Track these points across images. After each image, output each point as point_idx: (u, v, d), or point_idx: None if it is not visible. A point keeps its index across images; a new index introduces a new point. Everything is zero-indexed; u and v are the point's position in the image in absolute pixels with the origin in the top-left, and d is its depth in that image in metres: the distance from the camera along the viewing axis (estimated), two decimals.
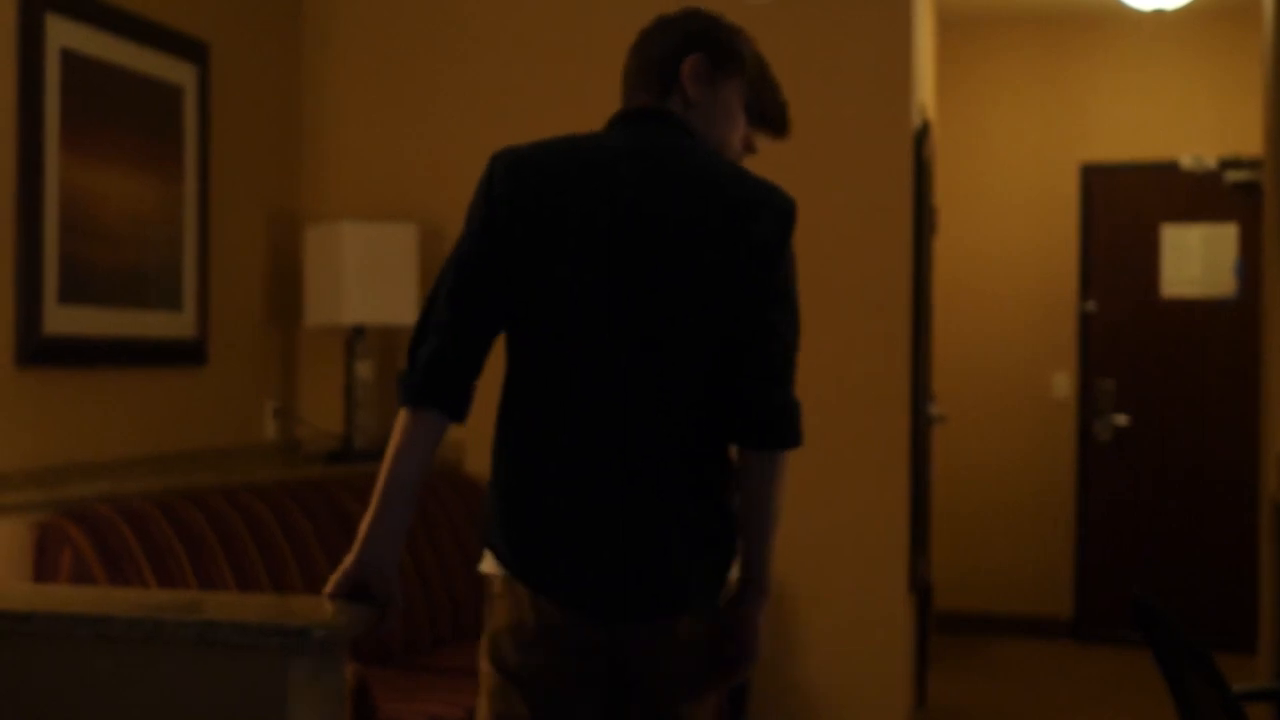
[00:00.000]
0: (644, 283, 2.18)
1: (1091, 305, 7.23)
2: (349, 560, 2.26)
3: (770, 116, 2.43)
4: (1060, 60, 7.25)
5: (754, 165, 2.38)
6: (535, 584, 2.21)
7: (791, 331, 2.25)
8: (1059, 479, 7.26)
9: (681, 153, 2.27)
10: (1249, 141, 6.61)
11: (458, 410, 2.25)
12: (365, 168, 5.06)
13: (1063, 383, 7.28)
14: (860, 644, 4.71)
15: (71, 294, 3.82)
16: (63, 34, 3.77)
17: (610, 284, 2.18)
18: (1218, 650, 2.69)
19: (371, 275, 4.70)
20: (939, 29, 6.97)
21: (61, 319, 3.77)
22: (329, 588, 2.28)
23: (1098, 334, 7.24)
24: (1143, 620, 2.64)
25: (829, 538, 4.68)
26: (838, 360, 4.65)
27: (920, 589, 5.34)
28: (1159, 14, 6.83)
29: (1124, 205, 7.23)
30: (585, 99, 5.04)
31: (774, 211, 2.23)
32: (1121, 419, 7.15)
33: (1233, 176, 6.95)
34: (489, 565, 2.30)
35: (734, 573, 2.30)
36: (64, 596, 2.79)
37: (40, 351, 3.69)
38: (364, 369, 4.78)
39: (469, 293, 2.22)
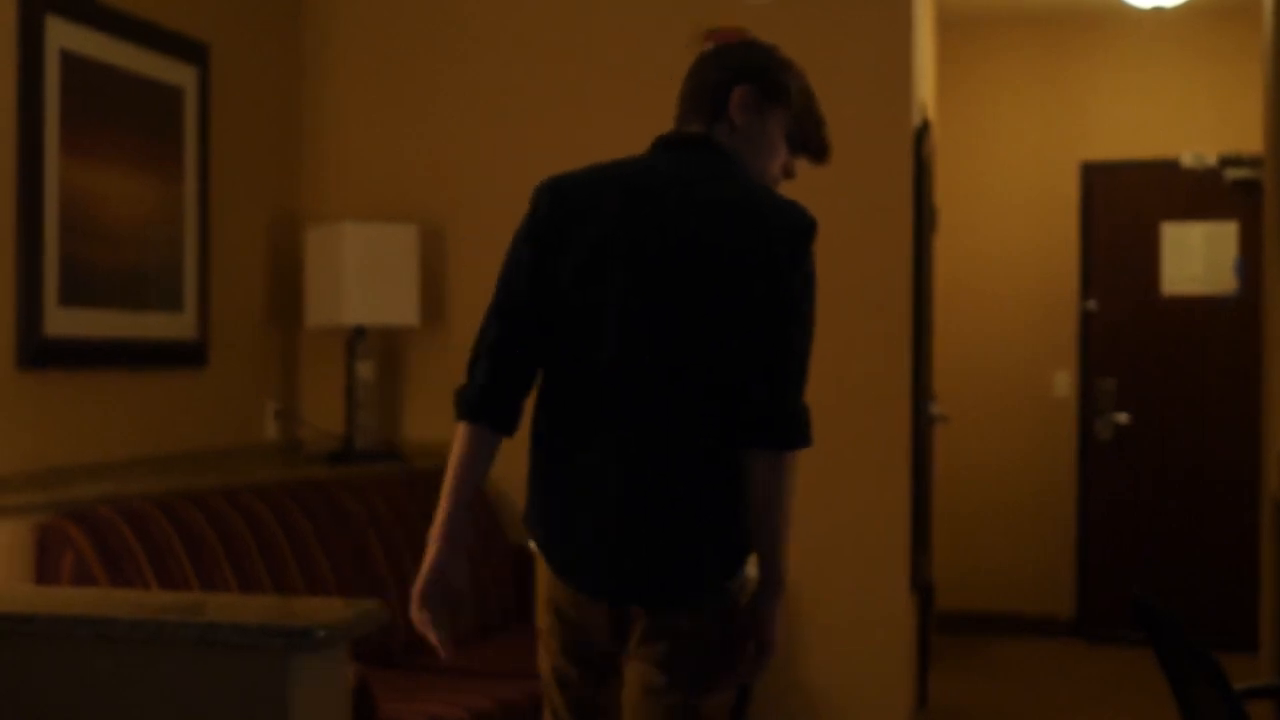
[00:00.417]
0: (677, 303, 2.34)
1: (1092, 304, 7.23)
2: (426, 563, 2.43)
3: (812, 147, 2.58)
4: (1060, 59, 7.25)
5: None
6: (556, 569, 2.41)
7: (807, 341, 2.38)
8: (1060, 478, 7.26)
9: (722, 179, 2.41)
10: (1249, 139, 6.60)
11: (507, 426, 2.43)
12: (365, 168, 5.06)
13: (1063, 382, 7.28)
14: (861, 644, 4.71)
15: (72, 296, 3.82)
16: (62, 35, 3.77)
17: (643, 303, 2.34)
18: (1218, 650, 2.69)
19: (372, 276, 4.70)
20: (939, 29, 6.97)
21: (62, 321, 3.77)
22: (416, 592, 2.41)
23: (1098, 333, 7.23)
24: (1144, 620, 2.64)
25: (830, 538, 4.68)
26: (838, 360, 4.64)
27: (921, 588, 5.34)
28: (1158, 13, 6.83)
29: (1124, 204, 7.22)
30: (585, 99, 5.07)
31: (801, 234, 2.37)
32: (1122, 418, 7.15)
33: (1233, 174, 6.94)
34: (532, 544, 2.50)
35: (752, 569, 2.41)
36: (66, 598, 2.79)
37: (41, 353, 3.69)
38: (365, 369, 4.78)
39: (515, 315, 2.40)
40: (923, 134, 5.25)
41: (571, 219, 2.37)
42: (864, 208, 4.71)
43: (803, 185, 2.74)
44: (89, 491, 3.67)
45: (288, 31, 5.02)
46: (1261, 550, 5.39)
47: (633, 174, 2.42)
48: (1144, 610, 2.61)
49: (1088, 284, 7.24)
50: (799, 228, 2.37)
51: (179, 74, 4.29)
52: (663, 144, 2.48)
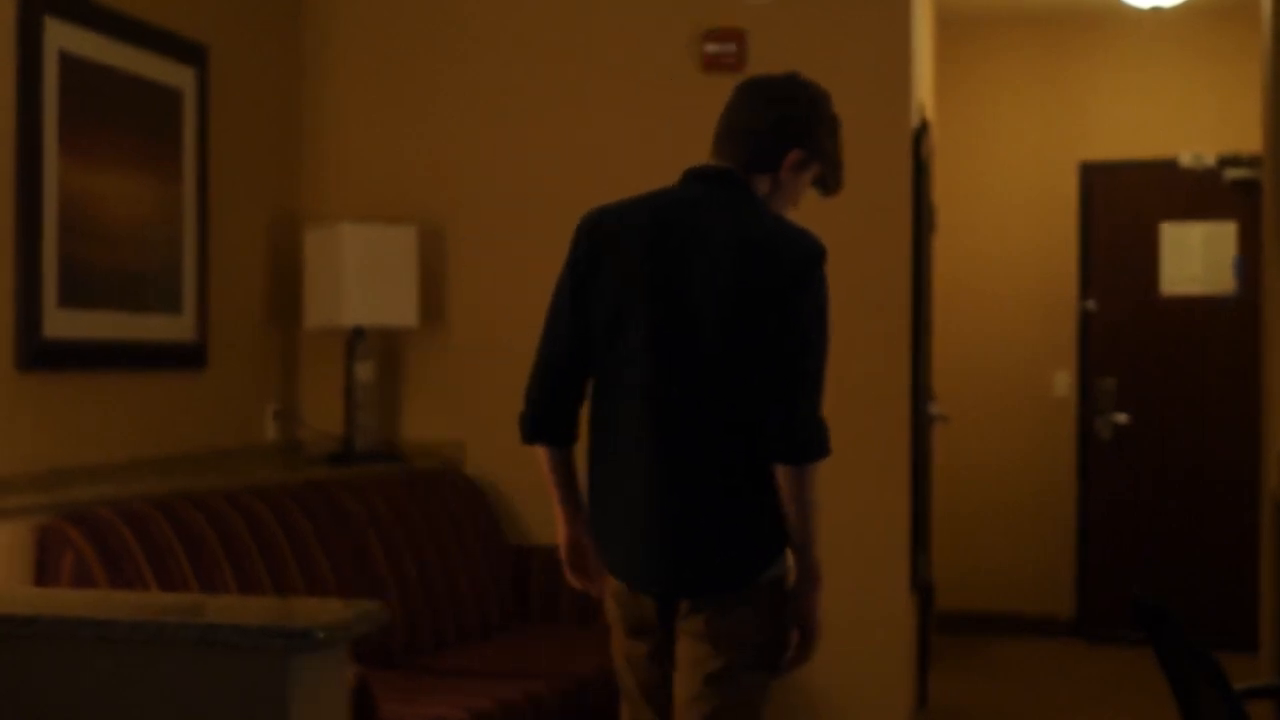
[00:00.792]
0: (700, 333, 2.57)
1: (1091, 304, 7.23)
2: (560, 538, 2.84)
3: (831, 186, 2.80)
4: (1060, 60, 7.25)
5: None
6: (609, 567, 2.73)
7: (820, 364, 2.61)
8: (1059, 478, 7.26)
9: (746, 217, 2.62)
10: (1248, 139, 6.60)
11: (563, 440, 2.76)
12: (365, 168, 5.06)
13: (1063, 381, 7.28)
14: (861, 644, 4.71)
15: (71, 297, 3.81)
16: (61, 37, 3.77)
17: (668, 332, 2.58)
18: (1218, 650, 2.69)
19: (371, 277, 4.70)
20: (939, 29, 6.97)
21: (61, 322, 3.77)
22: (564, 560, 2.86)
23: (1098, 333, 7.24)
24: (1144, 620, 2.64)
25: (830, 537, 4.61)
26: (838, 360, 4.58)
27: (921, 588, 5.34)
28: (1158, 13, 6.83)
29: (1124, 204, 7.23)
30: (585, 99, 5.06)
31: (811, 262, 2.59)
32: (1122, 418, 7.15)
33: (1232, 174, 6.94)
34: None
35: (790, 560, 2.69)
36: (66, 600, 2.79)
37: (40, 355, 3.69)
38: (364, 370, 4.78)
39: (559, 341, 2.69)
40: (922, 134, 5.25)
41: (605, 250, 2.63)
42: (863, 208, 4.70)
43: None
44: (89, 493, 3.67)
45: (287, 31, 5.01)
46: (1261, 550, 5.39)
47: (663, 206, 2.64)
48: (1144, 610, 2.61)
49: (1087, 284, 7.24)
50: (809, 256, 2.58)
51: (178, 75, 4.29)
52: (694, 176, 2.69)
